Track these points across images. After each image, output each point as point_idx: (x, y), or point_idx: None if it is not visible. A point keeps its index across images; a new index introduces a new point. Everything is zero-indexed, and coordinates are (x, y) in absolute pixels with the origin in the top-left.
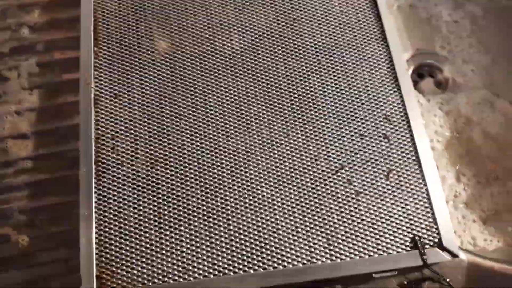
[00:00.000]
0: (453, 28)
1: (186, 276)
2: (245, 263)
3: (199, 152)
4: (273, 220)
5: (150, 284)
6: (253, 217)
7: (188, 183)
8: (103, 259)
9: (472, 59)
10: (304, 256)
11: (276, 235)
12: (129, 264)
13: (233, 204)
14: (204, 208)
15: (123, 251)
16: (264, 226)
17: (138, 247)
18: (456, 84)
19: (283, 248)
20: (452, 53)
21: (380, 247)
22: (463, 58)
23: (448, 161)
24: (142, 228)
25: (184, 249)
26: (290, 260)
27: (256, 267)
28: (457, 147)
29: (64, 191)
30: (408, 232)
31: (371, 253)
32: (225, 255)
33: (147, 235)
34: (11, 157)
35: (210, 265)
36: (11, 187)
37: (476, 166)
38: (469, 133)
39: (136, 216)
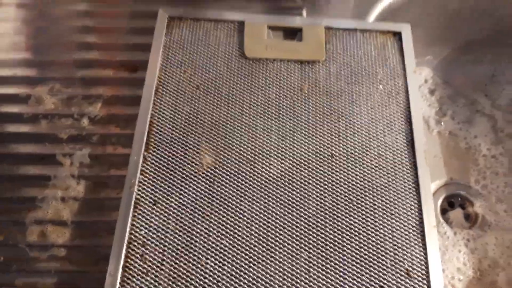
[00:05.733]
0: (490, 163)
1: None
2: None
3: (219, 275)
4: None
5: None
6: None
7: None
8: None
9: (506, 199)
10: None
11: None
12: None
13: None
14: None
15: None
16: None
17: None
18: (486, 222)
19: None
20: (486, 188)
21: None
22: (497, 197)
23: None
24: None
25: None
26: None
27: None
28: None
29: (89, 286)
30: None
31: None
32: None
33: None
34: (48, 242)
35: None
36: (42, 272)
37: None
38: (494, 277)
39: None
